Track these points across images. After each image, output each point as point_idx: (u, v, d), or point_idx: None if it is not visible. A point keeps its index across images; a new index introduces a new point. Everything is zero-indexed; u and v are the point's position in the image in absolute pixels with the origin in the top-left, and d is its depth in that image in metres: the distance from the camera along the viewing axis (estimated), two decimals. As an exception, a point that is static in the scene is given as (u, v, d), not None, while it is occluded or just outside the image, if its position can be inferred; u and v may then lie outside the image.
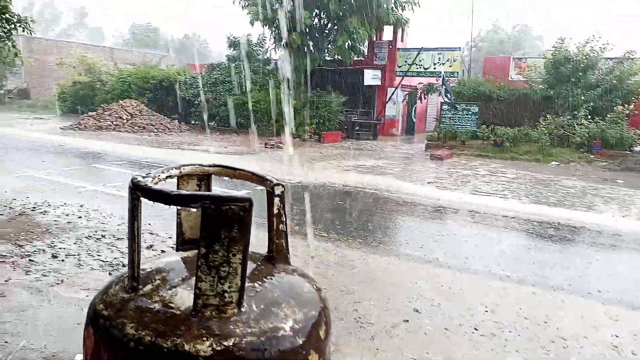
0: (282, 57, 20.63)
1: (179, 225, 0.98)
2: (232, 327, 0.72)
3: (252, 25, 19.60)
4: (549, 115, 16.72)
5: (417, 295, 4.34)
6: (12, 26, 5.81)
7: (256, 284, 0.82)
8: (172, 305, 0.75)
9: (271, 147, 15.18)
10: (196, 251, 0.95)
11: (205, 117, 20.07)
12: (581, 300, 4.43)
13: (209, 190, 1.01)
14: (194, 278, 0.79)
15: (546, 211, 7.99)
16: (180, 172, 0.94)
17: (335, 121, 18.79)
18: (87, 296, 3.99)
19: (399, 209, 7.95)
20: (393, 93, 19.96)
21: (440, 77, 18.87)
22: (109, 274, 4.51)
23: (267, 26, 19.94)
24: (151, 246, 5.32)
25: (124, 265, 4.72)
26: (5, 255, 4.79)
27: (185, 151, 13.79)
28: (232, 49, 22.47)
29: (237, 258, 0.70)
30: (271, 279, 0.85)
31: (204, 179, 0.99)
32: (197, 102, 19.87)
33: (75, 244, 5.27)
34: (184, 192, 0.71)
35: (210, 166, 0.98)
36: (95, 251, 5.09)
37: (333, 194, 8.84)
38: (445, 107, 17.22)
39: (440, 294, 4.41)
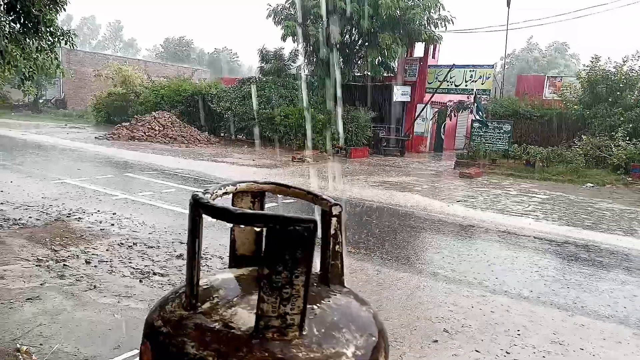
0: (313, 72, 20.84)
1: (233, 241, 0.96)
2: (294, 350, 0.70)
3: (284, 40, 19.90)
4: (584, 135, 16.28)
5: (447, 316, 4.23)
6: (56, 39, 6.05)
7: (315, 307, 0.79)
8: (232, 325, 0.73)
9: (298, 161, 15.24)
10: (250, 269, 0.93)
11: (234, 130, 20.37)
12: (617, 327, 4.23)
13: (262, 207, 0.99)
14: (252, 297, 0.77)
15: (580, 234, 7.72)
16: (236, 188, 0.93)
17: (363, 136, 18.77)
18: (118, 302, 4.04)
19: (428, 227, 7.82)
20: (422, 109, 19.83)
21: (471, 94, 18.67)
22: (140, 281, 4.56)
23: (299, 41, 20.22)
24: (181, 255, 5.37)
25: (154, 273, 4.78)
26: (42, 260, 4.91)
27: (215, 163, 13.98)
28: (264, 62, 22.78)
29: (300, 280, 0.68)
30: (328, 301, 0.82)
31: (257, 195, 0.98)
32: (226, 115, 20.20)
33: (107, 250, 5.37)
34: (248, 211, 0.70)
35: (264, 183, 0.97)
36: (126, 258, 5.17)
37: (361, 210, 8.77)
38: (476, 124, 17.00)
39: (470, 315, 4.29)
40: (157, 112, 20.58)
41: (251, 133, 19.78)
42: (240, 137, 20.69)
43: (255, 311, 0.74)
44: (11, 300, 3.83)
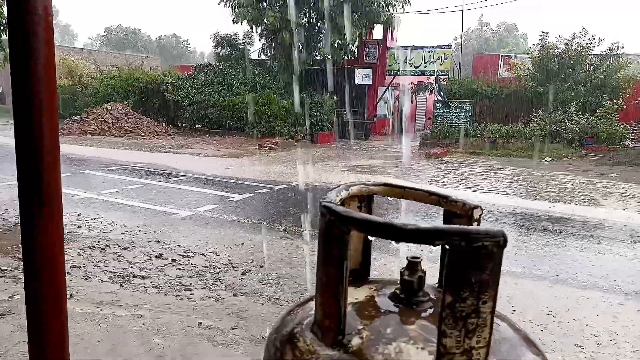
0: (273, 56, 20.39)
1: None
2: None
3: (238, 23, 19.28)
4: (540, 111, 16.82)
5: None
6: (2, 28, 5.48)
7: None
8: (404, 369, 0.55)
9: (265, 149, 14.92)
10: (371, 286, 0.75)
11: (193, 119, 19.67)
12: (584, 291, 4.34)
13: (370, 211, 0.82)
14: (408, 327, 0.59)
15: (551, 207, 7.93)
16: (349, 193, 0.74)
17: (327, 121, 18.62)
18: (100, 310, 3.73)
19: (406, 209, 7.81)
20: (384, 92, 19.87)
21: (430, 75, 18.86)
22: (120, 285, 4.25)
23: (255, 26, 19.68)
24: (160, 255, 5.06)
25: (135, 276, 4.46)
26: (5, 270, 4.48)
27: (178, 155, 13.45)
28: (219, 48, 22.10)
29: (487, 306, 0.52)
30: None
31: (364, 199, 0.80)
32: (184, 104, 19.45)
33: (79, 254, 4.98)
34: (422, 225, 0.52)
35: (375, 185, 0.79)
36: (101, 262, 4.81)
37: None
38: (438, 105, 17.20)
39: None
40: (109, 103, 19.50)
41: (212, 122, 19.18)
42: (200, 126, 20.03)
43: (421, 346, 0.57)
44: (-21, 318, 3.44)
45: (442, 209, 0.83)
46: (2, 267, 4.53)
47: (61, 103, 23.39)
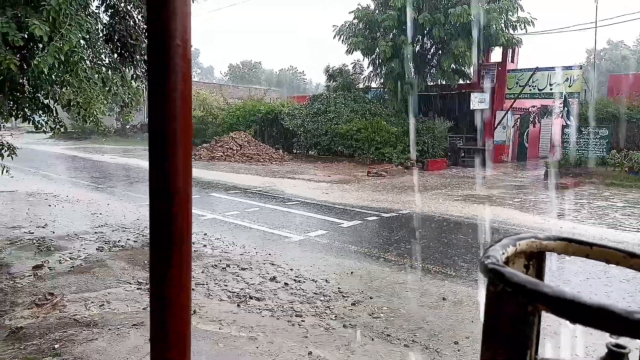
0: (382, 84, 20.53)
1: (499, 319, 0.62)
2: None
3: (351, 53, 19.84)
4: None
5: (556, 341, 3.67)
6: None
7: None
8: None
9: (374, 176, 14.90)
10: None
11: (307, 146, 20.49)
12: None
13: (541, 274, 0.69)
14: None
15: None
16: (516, 249, 0.63)
17: (439, 148, 18.07)
18: (219, 329, 3.93)
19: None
20: (503, 117, 18.75)
21: (557, 98, 17.37)
22: (237, 305, 4.45)
23: (367, 55, 20.07)
24: (274, 278, 5.23)
25: (251, 297, 4.65)
26: (141, 282, 4.97)
27: (292, 180, 14.01)
28: (331, 80, 23.07)
29: None
30: None
31: (534, 256, 0.67)
32: (299, 132, 20.38)
33: (202, 272, 5.36)
34: None
35: (550, 239, 0.66)
36: (222, 281, 5.11)
37: (449, 226, 8.24)
38: (567, 130, 15.71)
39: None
40: (233, 132, 21.26)
41: (323, 149, 19.78)
42: (313, 153, 20.76)
43: None
44: (118, 326, 3.84)
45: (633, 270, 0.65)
46: (139, 280, 5.04)
47: (194, 132, 26.02)
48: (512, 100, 18.66)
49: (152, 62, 0.64)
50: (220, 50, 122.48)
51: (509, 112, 18.74)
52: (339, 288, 4.98)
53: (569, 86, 17.80)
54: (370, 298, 4.72)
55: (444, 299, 4.80)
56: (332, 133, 18.96)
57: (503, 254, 0.59)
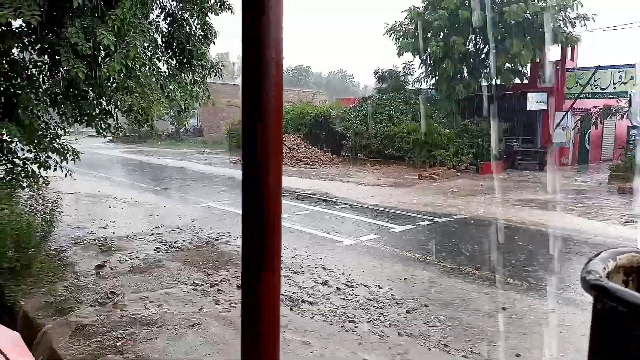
0: (434, 85, 20.12)
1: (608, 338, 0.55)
2: None
3: (401, 55, 19.60)
4: None
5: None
6: (207, 72, 6.41)
7: None
8: None
9: (425, 179, 14.58)
10: None
11: (356, 149, 20.41)
12: None
13: None
14: None
15: None
16: (616, 263, 0.55)
17: (494, 150, 17.43)
18: (272, 333, 3.93)
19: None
20: (563, 118, 17.83)
21: (621, 98, 16.34)
22: (290, 309, 4.44)
23: (418, 56, 19.73)
24: (326, 282, 5.19)
25: (303, 301, 4.64)
26: (197, 283, 5.08)
27: (341, 183, 13.96)
28: (381, 82, 22.90)
29: None
30: None
31: (633, 271, 0.59)
32: (348, 134, 20.34)
33: (255, 275, 5.40)
34: None
35: None
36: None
37: (507, 232, 7.89)
38: (634, 131, 14.73)
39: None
40: (284, 135, 21.51)
41: (372, 151, 19.61)
42: (362, 155, 20.64)
43: None
44: (175, 327, 3.92)
45: None
46: (195, 281, 5.15)
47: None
48: (573, 100, 17.73)
49: (247, 77, 0.66)
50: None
51: (568, 112, 17.81)
52: (392, 294, 4.87)
53: (634, 85, 16.67)
54: (426, 306, 4.57)
55: (503, 308, 4.59)
56: (382, 135, 18.76)
57: (604, 269, 0.52)
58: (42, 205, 5.71)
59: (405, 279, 5.38)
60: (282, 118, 0.69)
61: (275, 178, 0.67)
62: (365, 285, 5.12)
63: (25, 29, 4.71)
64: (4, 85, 5.09)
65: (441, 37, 18.22)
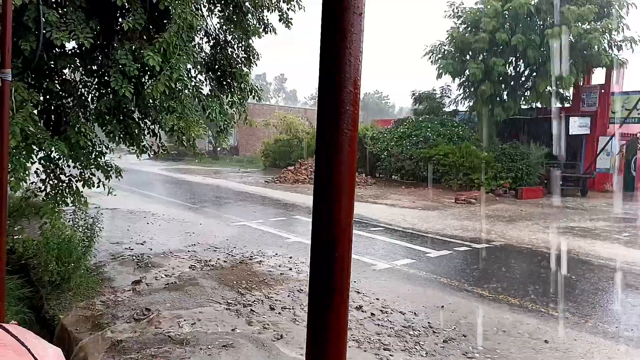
0: (472, 108, 19.83)
1: None
2: None
3: (441, 77, 19.45)
4: None
5: None
6: (245, 93, 6.52)
7: None
8: None
9: (462, 203, 14.23)
10: None
11: (390, 170, 20.23)
12: None
13: None
14: None
15: None
16: None
17: (534, 175, 16.89)
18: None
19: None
20: (607, 143, 17.15)
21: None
22: (323, 334, 4.35)
23: (457, 78, 19.55)
24: (360, 307, 5.08)
25: (336, 327, 4.53)
26: (231, 303, 5.06)
27: (375, 205, 13.82)
28: (417, 104, 22.79)
29: None
30: None
31: None
32: (382, 156, 20.21)
33: (288, 296, 5.35)
34: None
35: None
36: (307, 306, 5.06)
37: (548, 261, 7.55)
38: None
39: None
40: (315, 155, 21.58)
41: (407, 173, 19.39)
42: (396, 177, 20.43)
43: None
44: (209, 346, 3.90)
45: None
46: (228, 300, 5.14)
47: (280, 155, 26.92)
48: (618, 125, 17.06)
49: (323, 106, 0.67)
50: (303, 75, 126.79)
51: (613, 137, 17.12)
52: (428, 322, 4.70)
53: (687, 109, 15.91)
54: (464, 336, 4.39)
55: (545, 341, 4.34)
56: (417, 157, 18.55)
57: None
58: (84, 220, 5.88)
59: (443, 306, 5.19)
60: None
61: (346, 214, 0.68)
62: (401, 312, 4.97)
63: (77, 51, 4.94)
64: (55, 104, 5.34)
65: (480, 58, 18.02)
